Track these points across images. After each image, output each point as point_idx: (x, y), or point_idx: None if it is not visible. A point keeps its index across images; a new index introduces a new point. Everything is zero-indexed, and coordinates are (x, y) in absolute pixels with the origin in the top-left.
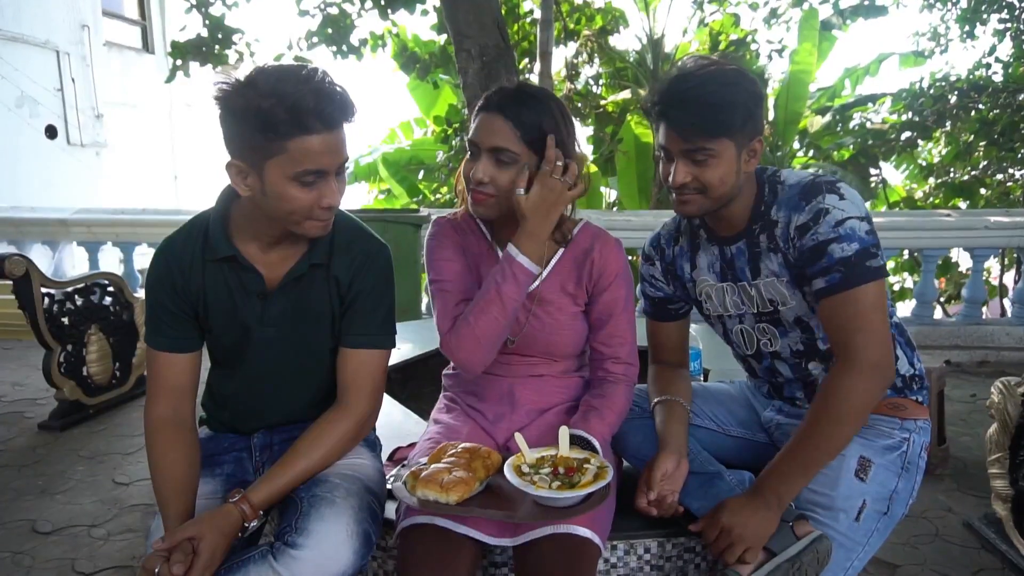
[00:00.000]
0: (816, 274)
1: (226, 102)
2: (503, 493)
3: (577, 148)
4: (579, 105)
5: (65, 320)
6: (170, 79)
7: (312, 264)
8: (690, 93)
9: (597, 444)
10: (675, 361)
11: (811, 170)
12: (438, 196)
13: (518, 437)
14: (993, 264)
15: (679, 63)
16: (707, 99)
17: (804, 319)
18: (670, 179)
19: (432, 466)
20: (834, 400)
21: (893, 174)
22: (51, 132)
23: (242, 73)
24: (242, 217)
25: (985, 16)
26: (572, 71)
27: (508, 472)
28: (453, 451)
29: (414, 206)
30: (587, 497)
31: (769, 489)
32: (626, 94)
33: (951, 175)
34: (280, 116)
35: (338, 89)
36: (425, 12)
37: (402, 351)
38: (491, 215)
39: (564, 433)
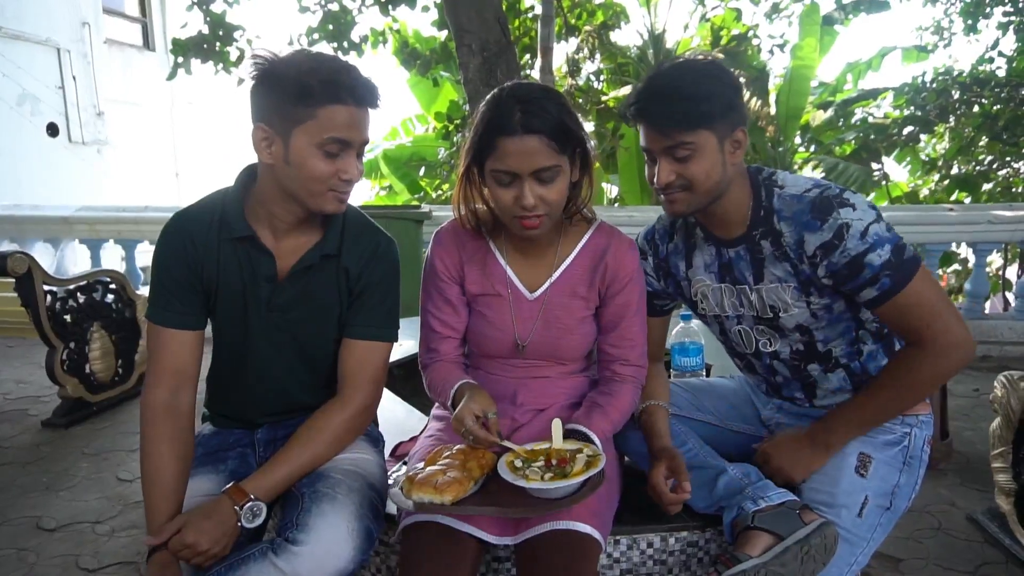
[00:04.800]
0: (861, 286)
1: (267, 70)
2: (499, 490)
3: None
4: (580, 101)
5: (68, 318)
6: (171, 76)
7: (323, 255)
8: (664, 89)
9: (595, 437)
10: (652, 355)
11: (809, 174)
12: (439, 192)
13: (507, 444)
14: (996, 258)
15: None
16: (681, 92)
17: (805, 325)
18: (655, 180)
19: (427, 469)
20: (913, 375)
21: (895, 169)
22: (52, 130)
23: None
24: (258, 201)
25: (988, 10)
26: (573, 67)
27: (501, 468)
28: (449, 452)
29: (416, 202)
30: (582, 485)
31: (822, 432)
32: (627, 90)
33: (953, 169)
34: (316, 85)
35: (368, 77)
36: (426, 8)
37: (404, 347)
38: (545, 231)
39: (557, 425)
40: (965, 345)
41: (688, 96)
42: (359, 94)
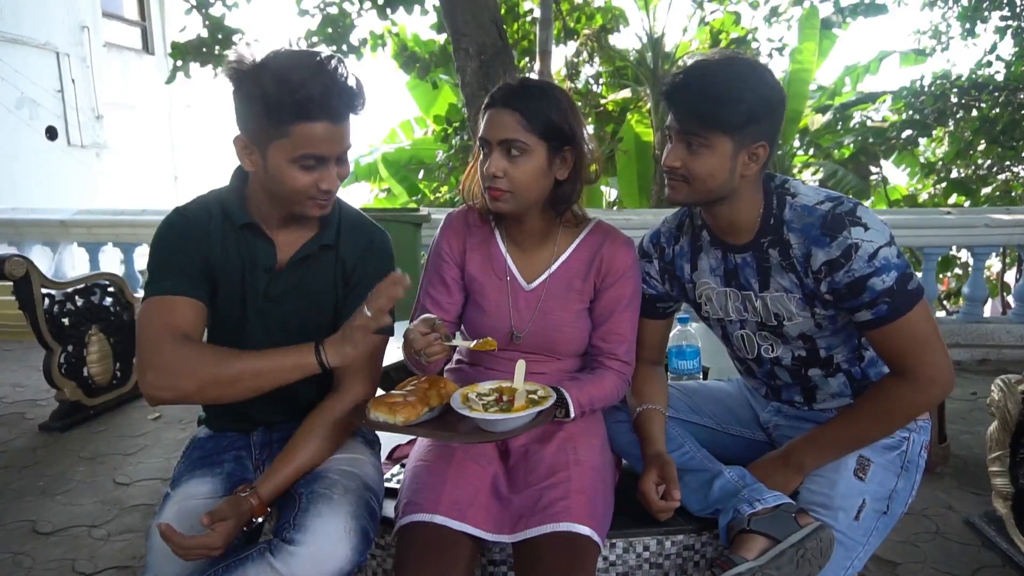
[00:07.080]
0: (859, 307)
1: (237, 81)
2: (453, 421)
3: (585, 136)
4: (579, 104)
5: (65, 321)
6: (170, 80)
7: (322, 245)
8: (697, 80)
9: (566, 393)
10: (652, 359)
11: (808, 178)
12: (438, 195)
13: (454, 342)
14: (994, 262)
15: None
16: (710, 90)
17: (808, 334)
18: (663, 158)
19: (390, 393)
20: (889, 403)
21: (894, 172)
22: (51, 133)
23: (258, 54)
24: (251, 199)
25: (986, 14)
26: (572, 70)
27: (454, 399)
28: (416, 382)
29: (414, 205)
30: (532, 419)
31: (796, 453)
32: (626, 93)
33: (952, 173)
34: (285, 103)
35: (348, 81)
36: (424, 12)
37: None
38: (509, 210)
39: (520, 366)
40: (946, 383)
41: (714, 96)
42: (333, 110)
